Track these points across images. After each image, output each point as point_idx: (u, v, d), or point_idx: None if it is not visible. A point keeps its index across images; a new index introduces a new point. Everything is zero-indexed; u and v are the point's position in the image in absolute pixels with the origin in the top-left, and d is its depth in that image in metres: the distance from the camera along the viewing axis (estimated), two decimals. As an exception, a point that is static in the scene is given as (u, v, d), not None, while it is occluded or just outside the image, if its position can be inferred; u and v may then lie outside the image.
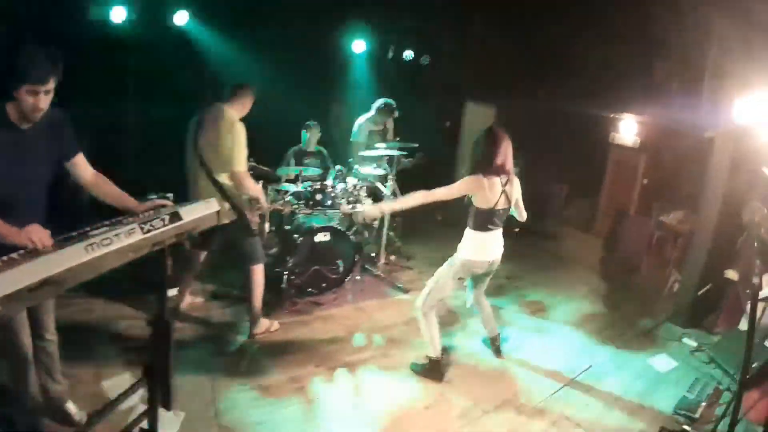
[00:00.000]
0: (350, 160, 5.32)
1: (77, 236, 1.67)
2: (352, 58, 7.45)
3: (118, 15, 5.12)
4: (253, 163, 4.27)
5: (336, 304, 4.47)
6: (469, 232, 3.37)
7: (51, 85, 2.03)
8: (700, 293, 4.65)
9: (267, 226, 4.55)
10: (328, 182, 4.69)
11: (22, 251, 1.59)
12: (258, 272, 3.70)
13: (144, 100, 5.75)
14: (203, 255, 3.90)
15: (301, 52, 6.16)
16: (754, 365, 3.08)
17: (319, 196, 4.56)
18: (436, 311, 3.52)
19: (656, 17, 4.85)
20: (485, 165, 3.21)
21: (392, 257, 5.52)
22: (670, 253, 5.83)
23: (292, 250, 4.29)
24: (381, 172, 5.24)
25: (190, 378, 3.17)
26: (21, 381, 2.38)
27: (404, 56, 7.44)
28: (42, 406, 2.54)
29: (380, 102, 5.53)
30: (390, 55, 7.39)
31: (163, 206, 2.09)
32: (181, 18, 5.64)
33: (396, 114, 5.59)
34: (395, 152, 5.10)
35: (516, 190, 3.38)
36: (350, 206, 4.69)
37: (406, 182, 5.31)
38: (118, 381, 3.08)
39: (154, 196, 2.17)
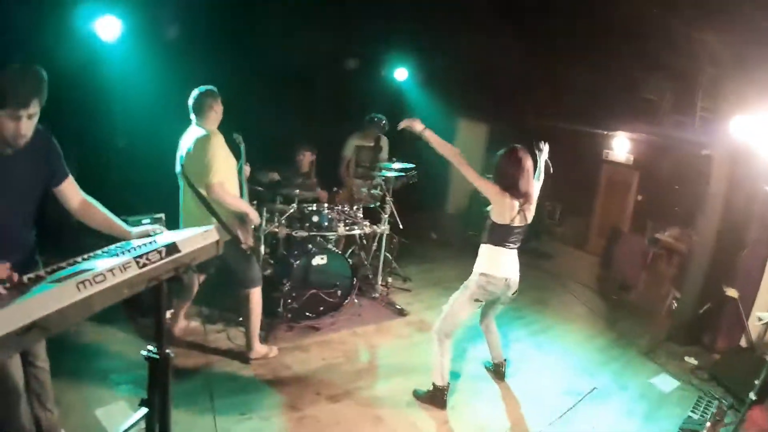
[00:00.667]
0: None
1: (66, 271, 1.55)
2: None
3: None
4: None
5: (334, 329, 4.36)
6: (484, 247, 3.34)
7: (34, 108, 1.86)
8: (701, 312, 4.63)
9: (262, 249, 4.46)
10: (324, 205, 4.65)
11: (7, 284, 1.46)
12: (255, 296, 3.59)
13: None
14: (201, 278, 3.80)
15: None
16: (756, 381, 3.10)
17: (315, 218, 4.50)
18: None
19: (649, 35, 4.89)
20: (509, 186, 3.19)
21: (389, 279, 5.44)
22: (666, 270, 5.83)
23: (289, 273, 4.20)
24: (378, 192, 5.20)
25: (189, 409, 3.05)
26: (12, 413, 2.23)
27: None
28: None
29: (367, 116, 5.62)
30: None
31: (156, 232, 1.99)
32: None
33: (386, 128, 5.59)
34: (392, 173, 5.03)
35: (531, 212, 3.35)
36: (347, 228, 4.61)
37: (402, 200, 5.30)
38: (111, 409, 2.96)
39: (147, 221, 2.06)
